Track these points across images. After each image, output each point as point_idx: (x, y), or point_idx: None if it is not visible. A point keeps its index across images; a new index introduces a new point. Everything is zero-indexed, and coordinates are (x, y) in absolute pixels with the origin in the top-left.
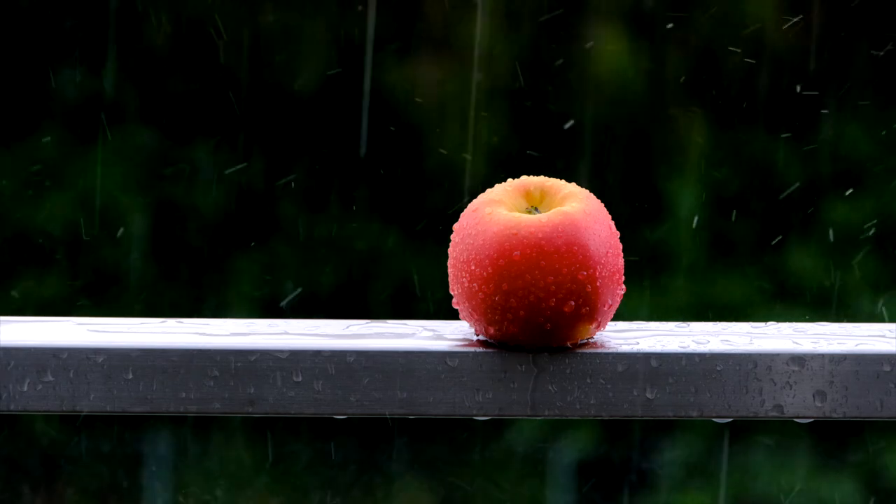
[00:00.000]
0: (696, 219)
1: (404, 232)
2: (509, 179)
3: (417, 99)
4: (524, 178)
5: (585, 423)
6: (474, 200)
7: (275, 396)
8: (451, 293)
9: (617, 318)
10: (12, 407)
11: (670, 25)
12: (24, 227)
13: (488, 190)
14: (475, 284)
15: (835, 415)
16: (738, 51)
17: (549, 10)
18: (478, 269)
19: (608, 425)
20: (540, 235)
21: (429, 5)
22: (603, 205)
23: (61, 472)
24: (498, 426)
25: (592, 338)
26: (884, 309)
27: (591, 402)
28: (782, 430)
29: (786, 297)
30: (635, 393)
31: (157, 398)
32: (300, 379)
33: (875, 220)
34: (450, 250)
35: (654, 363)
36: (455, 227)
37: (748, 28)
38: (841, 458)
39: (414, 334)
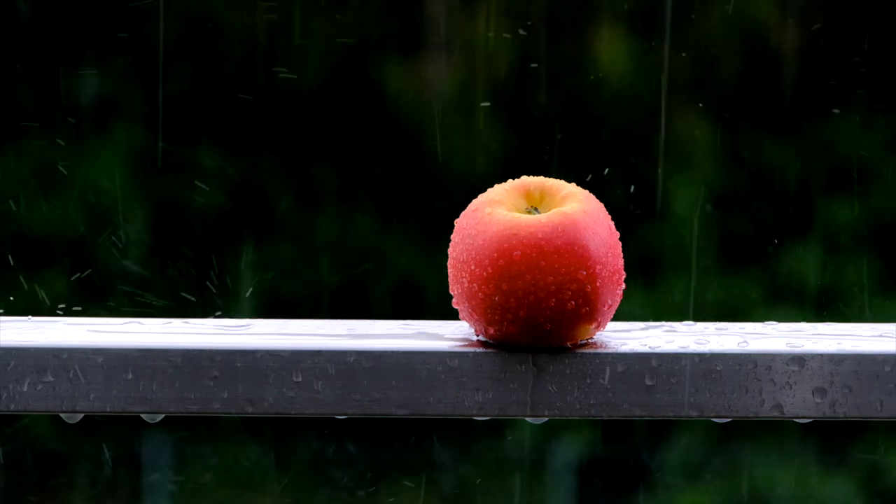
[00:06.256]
0: (695, 219)
1: (404, 232)
2: (509, 179)
3: (417, 98)
4: (524, 178)
5: (585, 423)
6: (474, 200)
7: (275, 396)
8: (451, 293)
9: (617, 318)
10: (12, 407)
11: (671, 25)
12: (24, 227)
13: (488, 190)
14: (475, 284)
15: (835, 415)
16: (739, 51)
17: (550, 10)
18: (478, 270)
19: (608, 425)
20: (540, 235)
21: (429, 5)
22: (603, 205)
23: (61, 473)
24: (498, 426)
25: (592, 338)
26: (884, 309)
27: (591, 402)
28: (782, 429)
29: (786, 297)
30: (635, 393)
31: (157, 398)
32: (300, 379)
33: (875, 220)
34: (450, 250)
35: (654, 363)
36: (455, 227)
37: (749, 28)
38: (841, 458)
39: (414, 334)
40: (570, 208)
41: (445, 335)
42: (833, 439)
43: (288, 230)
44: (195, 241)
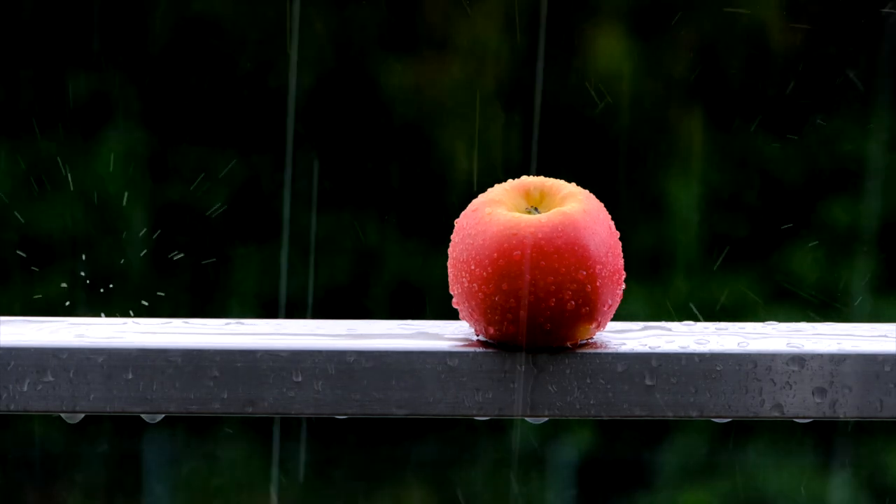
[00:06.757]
0: (695, 218)
1: (404, 232)
2: (509, 179)
3: (417, 98)
4: (524, 178)
5: (585, 422)
6: (474, 200)
7: (275, 396)
8: (451, 293)
9: (617, 318)
10: (12, 407)
11: (671, 25)
12: (24, 227)
13: (488, 190)
14: (475, 284)
15: (835, 415)
16: (738, 51)
17: (549, 10)
18: (478, 269)
19: (608, 425)
20: (540, 235)
21: (429, 5)
22: (603, 205)
23: (61, 473)
24: (498, 426)
25: (592, 338)
26: (884, 309)
27: (591, 402)
28: (782, 430)
29: (786, 297)
30: (635, 393)
31: (157, 398)
32: (300, 379)
33: (875, 220)
34: (450, 250)
35: (654, 363)
36: (455, 227)
37: (748, 28)
38: (841, 458)
39: (414, 334)
40: (570, 208)
41: (445, 335)
42: (833, 439)
43: (287, 230)
44: (195, 241)
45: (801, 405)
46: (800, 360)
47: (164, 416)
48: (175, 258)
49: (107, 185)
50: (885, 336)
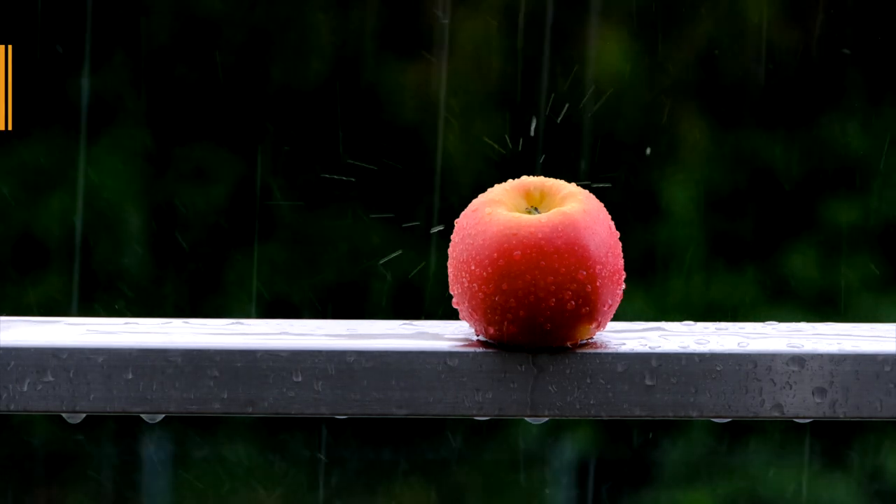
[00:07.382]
0: (695, 218)
1: (404, 232)
2: (509, 179)
3: (417, 99)
4: (524, 178)
5: (585, 422)
6: (474, 200)
7: (274, 396)
8: (451, 293)
9: (617, 318)
10: (12, 407)
11: (671, 25)
12: (24, 227)
13: (488, 190)
14: (475, 284)
15: (835, 415)
16: (738, 50)
17: (549, 10)
18: (478, 269)
19: (608, 425)
20: (540, 235)
21: (428, 5)
22: (603, 205)
23: (61, 472)
24: (498, 426)
25: (592, 338)
26: (883, 309)
27: (591, 402)
28: (782, 429)
29: (786, 297)
30: (635, 393)
31: (157, 398)
32: (300, 379)
33: (875, 220)
34: (450, 250)
35: (654, 363)
36: (455, 227)
37: (748, 27)
38: (841, 458)
39: (414, 334)
40: (570, 208)
41: (445, 335)
42: (833, 439)
43: (288, 230)
44: (195, 242)
45: (801, 405)
46: (800, 360)
47: (164, 416)
48: (174, 258)
49: (107, 185)
50: (885, 336)
